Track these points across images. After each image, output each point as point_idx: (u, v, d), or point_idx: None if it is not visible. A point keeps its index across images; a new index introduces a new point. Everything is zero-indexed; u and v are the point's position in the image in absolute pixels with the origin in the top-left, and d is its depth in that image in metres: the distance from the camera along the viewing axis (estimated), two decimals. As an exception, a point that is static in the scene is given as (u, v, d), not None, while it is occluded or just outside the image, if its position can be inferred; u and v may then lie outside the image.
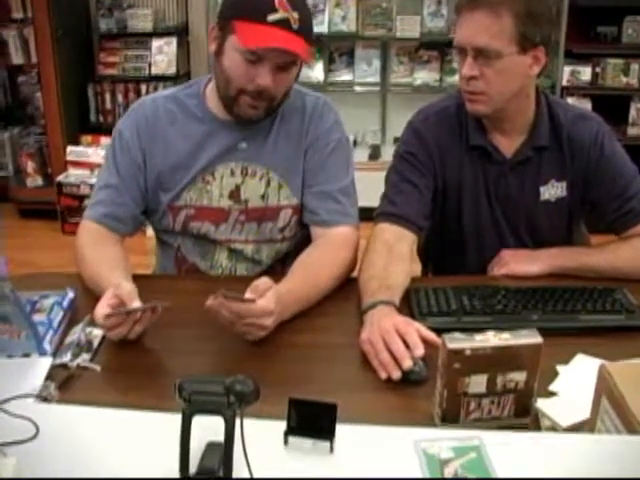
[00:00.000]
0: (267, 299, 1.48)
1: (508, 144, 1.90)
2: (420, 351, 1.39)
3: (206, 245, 1.93)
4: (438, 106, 1.97)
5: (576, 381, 1.37)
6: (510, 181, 1.92)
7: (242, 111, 1.78)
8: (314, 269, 1.74)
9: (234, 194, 1.88)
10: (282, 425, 1.05)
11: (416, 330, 1.44)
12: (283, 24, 1.65)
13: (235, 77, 1.72)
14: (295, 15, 1.66)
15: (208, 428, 0.98)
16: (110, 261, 1.74)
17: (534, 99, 1.88)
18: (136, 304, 1.48)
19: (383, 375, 1.41)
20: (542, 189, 1.92)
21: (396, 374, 1.39)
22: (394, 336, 1.43)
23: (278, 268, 1.95)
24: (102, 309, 1.47)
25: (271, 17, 1.64)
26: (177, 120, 1.87)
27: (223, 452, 0.96)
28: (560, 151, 1.89)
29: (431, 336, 1.42)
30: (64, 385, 1.38)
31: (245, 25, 1.67)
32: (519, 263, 1.86)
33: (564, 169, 1.91)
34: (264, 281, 1.52)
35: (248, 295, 1.48)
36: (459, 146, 1.91)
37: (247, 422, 0.97)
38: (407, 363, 1.38)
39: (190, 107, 1.88)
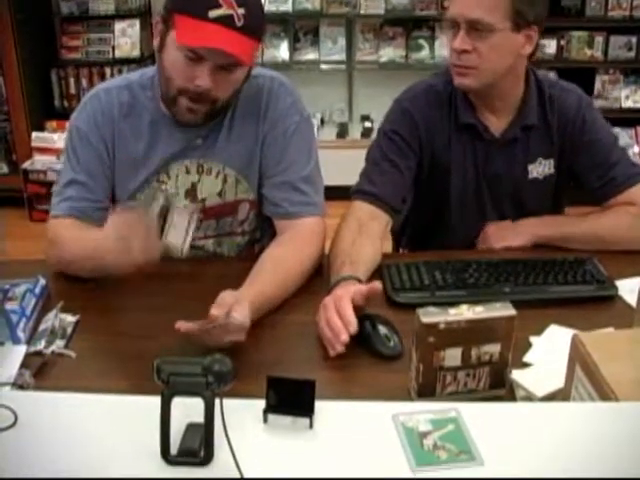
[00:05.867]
0: (243, 315, 1.40)
1: (497, 123, 1.91)
2: (352, 328, 1.39)
3: None
4: (426, 84, 1.96)
5: (549, 351, 1.40)
6: (499, 159, 1.93)
7: (180, 114, 1.71)
8: (282, 269, 1.65)
9: (190, 193, 1.82)
10: (261, 403, 1.05)
11: (349, 299, 1.43)
12: (226, 21, 1.56)
13: (175, 76, 1.64)
14: (240, 11, 1.56)
15: (188, 409, 0.99)
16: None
17: (524, 78, 1.89)
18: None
19: (331, 352, 1.41)
20: (530, 167, 1.94)
21: (339, 348, 1.39)
22: (331, 311, 1.43)
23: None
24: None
25: (213, 13, 1.55)
26: (130, 113, 1.79)
27: (204, 433, 0.97)
28: (547, 127, 1.91)
29: (366, 289, 1.45)
30: (39, 372, 1.38)
31: (185, 20, 1.58)
32: (502, 238, 1.89)
33: (551, 146, 1.93)
34: (230, 294, 1.45)
35: (215, 311, 1.38)
36: (448, 124, 1.91)
37: (226, 402, 0.97)
38: (344, 337, 1.38)
39: (143, 100, 1.79)
